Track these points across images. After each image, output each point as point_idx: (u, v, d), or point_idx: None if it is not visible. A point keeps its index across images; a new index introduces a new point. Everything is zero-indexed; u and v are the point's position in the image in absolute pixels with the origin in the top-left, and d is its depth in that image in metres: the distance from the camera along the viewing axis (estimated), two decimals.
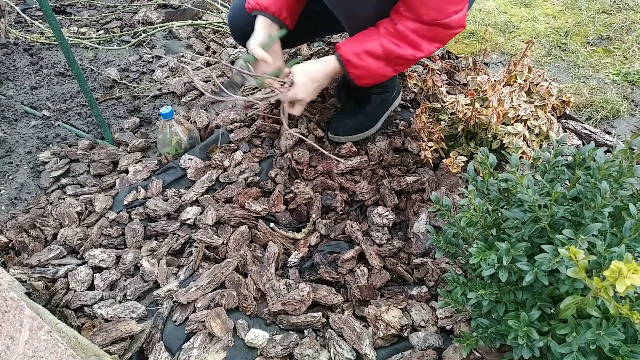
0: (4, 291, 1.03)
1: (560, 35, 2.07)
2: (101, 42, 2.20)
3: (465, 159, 1.29)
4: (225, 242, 1.30)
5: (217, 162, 1.50)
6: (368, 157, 1.50)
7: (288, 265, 1.27)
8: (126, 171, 1.55)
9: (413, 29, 1.17)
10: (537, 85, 1.33)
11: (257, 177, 1.47)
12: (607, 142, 1.50)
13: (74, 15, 2.43)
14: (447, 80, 1.65)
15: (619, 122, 1.64)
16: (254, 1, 1.31)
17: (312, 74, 1.27)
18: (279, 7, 1.30)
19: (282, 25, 1.33)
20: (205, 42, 2.16)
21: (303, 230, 1.35)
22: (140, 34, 2.21)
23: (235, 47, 2.07)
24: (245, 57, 1.30)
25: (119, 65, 2.04)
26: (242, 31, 1.43)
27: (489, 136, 1.28)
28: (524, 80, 1.33)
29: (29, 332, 0.94)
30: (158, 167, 1.55)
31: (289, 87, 1.26)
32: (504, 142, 1.25)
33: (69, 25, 2.33)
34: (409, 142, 1.53)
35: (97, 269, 1.26)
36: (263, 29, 1.30)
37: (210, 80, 1.91)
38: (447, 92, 1.39)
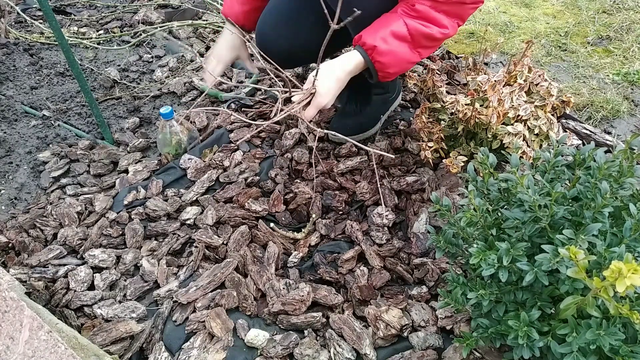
0: (4, 291, 1.02)
1: (560, 35, 2.07)
2: (101, 42, 2.20)
3: (465, 159, 1.29)
4: (225, 242, 1.30)
5: (217, 162, 1.50)
6: (368, 157, 1.50)
7: (288, 265, 1.27)
8: (126, 171, 1.55)
9: (431, 6, 1.13)
10: (537, 85, 1.33)
11: (257, 177, 1.47)
12: (607, 142, 1.50)
13: (74, 15, 2.43)
14: (447, 80, 1.65)
15: (619, 122, 1.64)
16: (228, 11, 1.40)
17: (335, 74, 1.17)
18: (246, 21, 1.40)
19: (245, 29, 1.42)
20: (205, 42, 2.16)
21: (303, 230, 1.35)
22: (140, 34, 2.21)
23: None
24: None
25: (119, 65, 2.04)
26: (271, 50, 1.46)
27: (489, 136, 1.28)
28: (524, 80, 1.33)
29: (29, 332, 0.94)
30: (158, 167, 1.55)
31: (310, 94, 1.15)
32: (504, 142, 1.25)
33: (69, 25, 2.33)
34: (409, 142, 1.53)
35: (97, 269, 1.26)
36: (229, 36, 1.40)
37: None
38: (447, 92, 1.39)
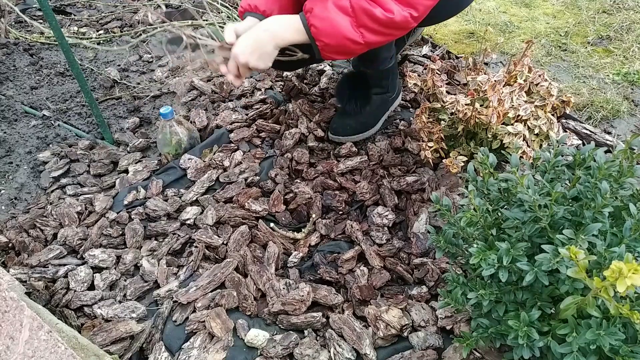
0: (4, 291, 1.03)
1: (560, 35, 2.07)
2: (101, 42, 2.20)
3: (465, 159, 1.29)
4: (225, 242, 1.30)
5: (217, 162, 1.50)
6: (368, 157, 1.50)
7: (288, 265, 1.27)
8: (126, 171, 1.55)
9: None
10: (537, 85, 1.34)
11: (257, 177, 1.47)
12: (607, 142, 1.50)
13: (74, 15, 2.43)
14: (447, 80, 1.65)
15: (619, 122, 1.64)
16: (245, 4, 1.27)
17: (255, 32, 1.13)
18: (269, 7, 1.25)
19: None
20: None
21: (303, 230, 1.35)
22: (140, 34, 2.21)
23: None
24: (214, 31, 1.26)
25: (119, 65, 2.04)
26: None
27: (489, 136, 1.28)
28: (524, 80, 1.33)
29: (29, 332, 0.94)
30: (158, 167, 1.55)
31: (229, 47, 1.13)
32: (504, 142, 1.25)
33: (69, 25, 2.33)
34: (409, 142, 1.53)
35: (97, 269, 1.26)
36: (250, 23, 1.24)
37: (210, 80, 1.91)
38: (447, 92, 1.39)
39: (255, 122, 1.64)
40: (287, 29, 1.14)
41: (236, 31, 1.20)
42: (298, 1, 1.30)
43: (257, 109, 1.71)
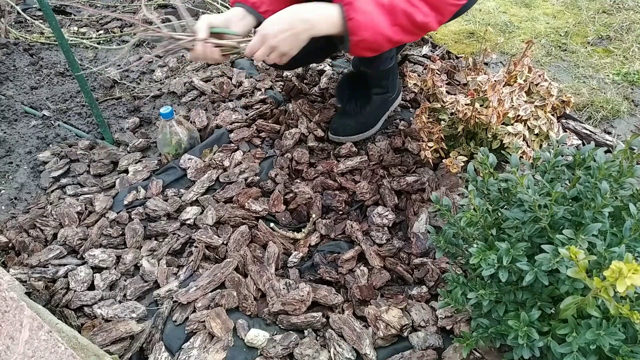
0: (4, 291, 1.03)
1: (560, 35, 2.07)
2: (101, 42, 2.20)
3: (465, 159, 1.29)
4: (225, 242, 1.30)
5: (217, 162, 1.50)
6: (368, 157, 1.50)
7: (288, 265, 1.27)
8: (126, 171, 1.55)
9: None
10: (537, 85, 1.34)
11: (257, 177, 1.47)
12: (607, 142, 1.50)
13: (74, 15, 2.43)
14: (447, 80, 1.65)
15: (619, 122, 1.64)
16: None
17: (289, 15, 1.09)
18: None
19: (260, 18, 1.23)
20: None
21: (303, 230, 1.35)
22: (135, 35, 2.21)
23: None
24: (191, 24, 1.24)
25: (119, 66, 2.04)
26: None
27: (489, 136, 1.28)
28: (524, 81, 1.33)
29: (29, 332, 0.94)
30: (158, 167, 1.55)
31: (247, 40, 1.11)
32: (504, 142, 1.25)
33: (69, 25, 2.33)
34: (409, 142, 1.53)
35: (97, 269, 1.26)
36: (229, 14, 1.21)
37: (210, 81, 1.91)
38: (447, 92, 1.39)
39: (255, 122, 1.64)
40: (325, 20, 1.09)
41: (210, 24, 1.17)
42: None
43: (257, 109, 1.71)
